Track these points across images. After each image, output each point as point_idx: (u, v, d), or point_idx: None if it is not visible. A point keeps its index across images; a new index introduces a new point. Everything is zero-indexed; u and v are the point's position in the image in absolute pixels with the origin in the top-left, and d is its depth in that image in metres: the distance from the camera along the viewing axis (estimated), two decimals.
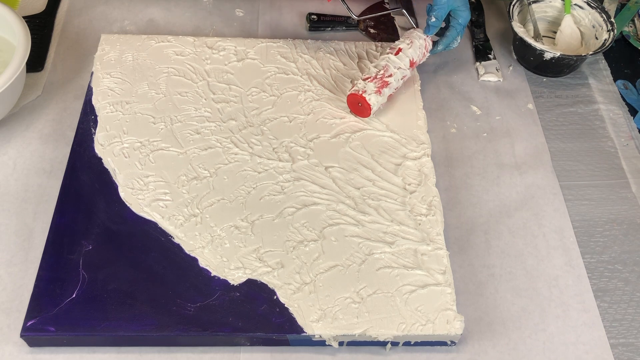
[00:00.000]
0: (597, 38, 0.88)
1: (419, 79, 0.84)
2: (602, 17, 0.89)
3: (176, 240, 0.67)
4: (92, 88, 0.79)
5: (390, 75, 0.77)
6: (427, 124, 0.79)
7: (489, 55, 0.91)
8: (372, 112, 0.77)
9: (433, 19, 0.78)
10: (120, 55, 0.82)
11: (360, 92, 0.76)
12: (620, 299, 0.69)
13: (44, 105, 0.80)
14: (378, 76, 0.77)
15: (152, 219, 0.68)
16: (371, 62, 0.82)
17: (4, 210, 0.70)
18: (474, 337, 0.65)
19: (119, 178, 0.71)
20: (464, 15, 0.80)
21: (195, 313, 0.62)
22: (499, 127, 0.83)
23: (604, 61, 0.92)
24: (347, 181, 0.72)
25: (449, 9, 0.79)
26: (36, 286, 0.62)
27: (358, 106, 0.77)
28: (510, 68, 0.90)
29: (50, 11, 0.90)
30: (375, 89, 0.76)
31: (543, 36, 0.92)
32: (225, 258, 0.66)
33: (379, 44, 0.88)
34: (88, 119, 0.76)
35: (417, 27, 0.83)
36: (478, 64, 0.90)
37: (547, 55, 0.85)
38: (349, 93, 0.77)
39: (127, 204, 0.69)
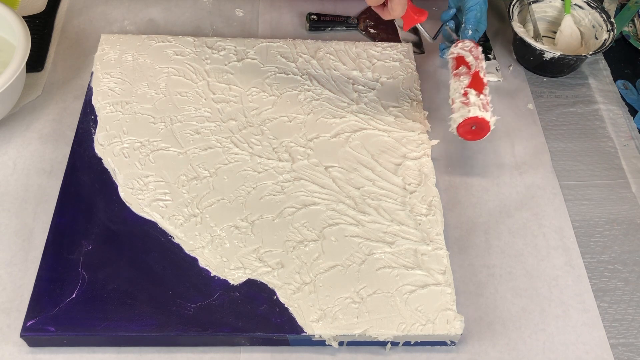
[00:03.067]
0: (597, 38, 0.88)
1: (418, 78, 0.84)
2: (602, 17, 0.89)
3: (176, 240, 0.67)
4: (92, 88, 0.79)
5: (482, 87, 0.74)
6: (427, 124, 0.79)
7: (489, 55, 0.91)
8: (491, 129, 0.73)
9: (470, 32, 0.81)
10: (120, 55, 0.82)
11: (475, 115, 0.71)
12: (620, 299, 0.69)
13: (44, 105, 0.80)
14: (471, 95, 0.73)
15: (152, 219, 0.68)
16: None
17: (4, 210, 0.70)
18: (474, 337, 0.65)
19: (119, 178, 0.71)
20: (483, 27, 0.83)
21: (195, 313, 0.62)
22: (499, 127, 0.83)
23: (604, 61, 0.92)
24: (347, 181, 0.72)
25: (477, 22, 0.82)
26: (36, 286, 0.62)
27: (472, 129, 0.73)
28: (510, 68, 0.90)
29: (50, 11, 0.90)
30: (482, 105, 0.72)
31: (543, 36, 0.92)
32: (225, 258, 0.66)
33: (379, 44, 0.88)
34: (88, 119, 0.76)
35: (432, 38, 0.83)
36: None
37: (547, 55, 0.85)
38: (465, 118, 0.72)
39: (127, 204, 0.69)
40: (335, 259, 0.66)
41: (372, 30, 0.93)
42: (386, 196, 0.71)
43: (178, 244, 0.66)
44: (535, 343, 0.65)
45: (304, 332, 0.61)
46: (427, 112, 0.80)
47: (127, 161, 0.72)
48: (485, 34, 0.93)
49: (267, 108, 0.79)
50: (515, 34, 0.87)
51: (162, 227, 0.67)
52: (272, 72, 0.82)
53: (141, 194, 0.70)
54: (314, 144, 0.75)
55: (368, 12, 0.95)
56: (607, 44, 0.85)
